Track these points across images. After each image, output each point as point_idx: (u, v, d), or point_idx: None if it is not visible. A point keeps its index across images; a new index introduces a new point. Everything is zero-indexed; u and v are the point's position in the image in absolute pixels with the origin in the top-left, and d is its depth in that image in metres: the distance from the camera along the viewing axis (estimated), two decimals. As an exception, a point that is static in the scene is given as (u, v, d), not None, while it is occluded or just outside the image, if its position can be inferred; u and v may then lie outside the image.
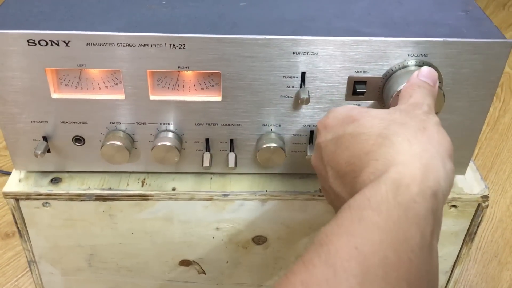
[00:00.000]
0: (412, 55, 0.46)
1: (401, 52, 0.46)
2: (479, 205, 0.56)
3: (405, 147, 0.34)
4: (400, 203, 0.31)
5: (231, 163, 0.52)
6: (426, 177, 0.33)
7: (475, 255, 0.88)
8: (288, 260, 0.60)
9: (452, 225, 0.58)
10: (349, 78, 0.48)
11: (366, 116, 0.38)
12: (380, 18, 0.49)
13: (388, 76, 0.47)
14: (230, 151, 0.52)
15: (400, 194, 0.32)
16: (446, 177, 0.34)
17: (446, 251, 0.60)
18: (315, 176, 0.56)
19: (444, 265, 0.61)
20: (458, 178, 0.57)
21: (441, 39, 0.46)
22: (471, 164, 0.58)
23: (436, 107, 0.46)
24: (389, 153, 0.34)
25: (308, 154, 0.52)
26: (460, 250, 0.60)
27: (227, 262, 0.60)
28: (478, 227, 0.58)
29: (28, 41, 0.45)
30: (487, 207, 0.56)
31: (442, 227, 0.56)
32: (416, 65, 0.47)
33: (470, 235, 0.58)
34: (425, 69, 0.43)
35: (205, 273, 0.61)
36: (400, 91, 0.44)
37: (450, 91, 0.48)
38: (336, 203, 0.40)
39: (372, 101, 0.49)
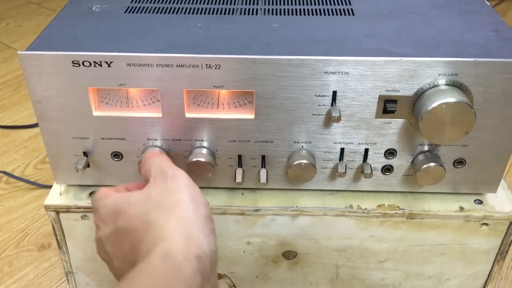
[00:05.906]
0: (442, 74, 0.47)
1: (431, 72, 0.47)
2: (510, 223, 0.56)
3: (166, 226, 0.39)
4: (167, 268, 0.37)
5: (263, 179, 0.53)
6: (189, 245, 0.38)
7: (506, 273, 0.87)
8: (317, 275, 0.61)
9: (484, 243, 0.57)
10: (380, 97, 0.49)
11: (129, 207, 0.43)
12: (410, 38, 0.50)
13: (419, 95, 0.48)
14: (262, 167, 0.54)
15: (168, 261, 0.37)
16: (208, 241, 0.40)
17: (478, 269, 0.60)
18: (345, 193, 0.57)
19: (475, 283, 0.61)
20: (489, 196, 0.57)
21: (472, 59, 0.46)
22: (502, 182, 0.58)
23: (467, 126, 0.47)
24: (155, 235, 0.39)
25: (339, 170, 0.53)
26: (491, 269, 0.60)
27: (257, 276, 0.61)
28: (510, 245, 0.57)
29: (72, 62, 0.47)
30: (519, 225, 0.56)
31: (474, 245, 0.57)
32: (446, 84, 0.47)
33: (501, 254, 0.58)
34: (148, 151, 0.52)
35: (235, 287, 0.62)
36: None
37: (481, 110, 0.49)
38: None
39: (403, 119, 0.50)
